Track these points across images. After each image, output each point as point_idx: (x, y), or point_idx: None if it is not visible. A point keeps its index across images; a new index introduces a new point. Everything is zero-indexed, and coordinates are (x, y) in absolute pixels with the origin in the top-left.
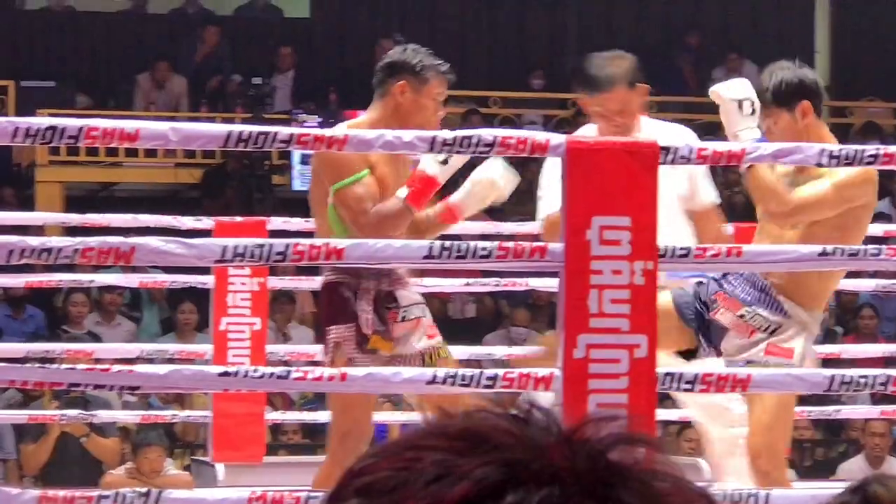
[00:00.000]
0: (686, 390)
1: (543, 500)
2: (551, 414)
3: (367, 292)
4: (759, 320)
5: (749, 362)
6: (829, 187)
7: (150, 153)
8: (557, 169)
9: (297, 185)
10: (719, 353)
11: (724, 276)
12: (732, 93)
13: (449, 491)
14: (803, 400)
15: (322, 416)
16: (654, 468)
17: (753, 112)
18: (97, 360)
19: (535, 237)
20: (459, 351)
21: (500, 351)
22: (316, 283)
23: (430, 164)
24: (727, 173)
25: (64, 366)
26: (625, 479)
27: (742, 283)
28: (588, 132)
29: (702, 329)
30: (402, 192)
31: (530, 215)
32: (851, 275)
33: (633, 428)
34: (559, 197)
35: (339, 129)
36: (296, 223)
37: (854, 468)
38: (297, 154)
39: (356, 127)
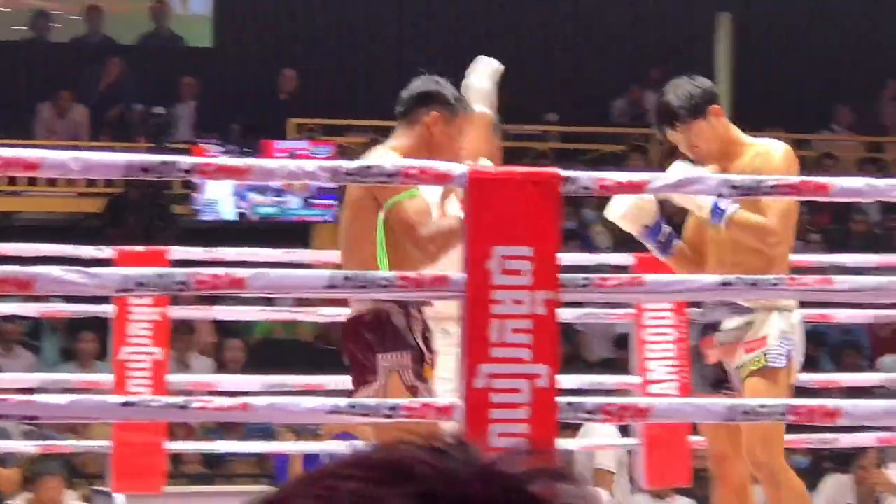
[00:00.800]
0: (587, 420)
1: None
2: (472, 447)
3: (418, 321)
4: (733, 333)
5: (739, 367)
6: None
7: (51, 182)
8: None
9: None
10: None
11: (702, 313)
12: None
13: None
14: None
15: (223, 446)
16: (572, 502)
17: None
18: None
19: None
20: None
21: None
22: (216, 312)
23: None
24: None
25: None
26: None
27: (711, 310)
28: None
29: (717, 386)
30: (456, 207)
31: None
32: None
33: (553, 462)
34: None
35: (382, 156)
36: (197, 252)
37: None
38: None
39: (392, 153)
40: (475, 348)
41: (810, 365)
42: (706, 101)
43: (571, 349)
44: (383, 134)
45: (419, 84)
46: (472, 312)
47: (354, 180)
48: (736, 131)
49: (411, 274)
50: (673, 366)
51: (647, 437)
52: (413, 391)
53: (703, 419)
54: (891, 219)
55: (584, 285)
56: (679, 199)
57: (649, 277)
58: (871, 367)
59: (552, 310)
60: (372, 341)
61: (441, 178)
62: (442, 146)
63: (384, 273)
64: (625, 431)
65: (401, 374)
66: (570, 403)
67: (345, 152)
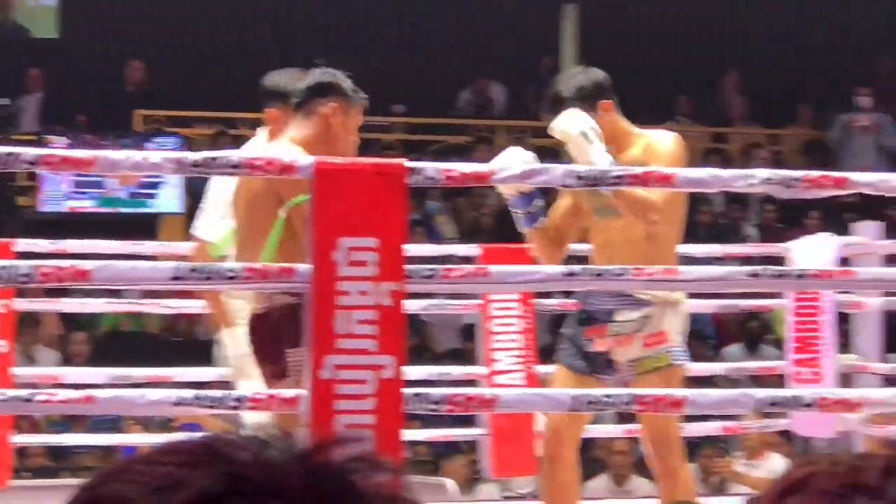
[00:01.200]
0: (433, 411)
1: None
2: (296, 439)
3: None
4: (630, 325)
5: (634, 361)
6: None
7: None
8: (221, 183)
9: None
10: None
11: (586, 300)
12: (576, 127)
13: (169, 499)
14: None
15: (69, 439)
16: (392, 494)
17: (597, 137)
18: None
19: None
20: (211, 372)
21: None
22: (62, 304)
23: None
24: (474, 195)
25: None
26: (349, 497)
27: (597, 299)
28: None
29: (594, 368)
30: None
31: None
32: None
33: (377, 452)
34: (217, 212)
35: (282, 149)
36: (42, 245)
37: (599, 487)
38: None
39: (291, 146)
40: (321, 339)
41: None
42: (597, 94)
43: (418, 340)
44: (230, 126)
45: (316, 76)
46: (317, 303)
47: (200, 172)
48: (626, 123)
49: (257, 265)
50: (519, 356)
51: (493, 428)
52: None
53: (549, 409)
54: (735, 209)
55: (430, 276)
56: (576, 149)
57: (494, 268)
58: (717, 357)
59: (398, 301)
60: (284, 336)
61: (286, 170)
62: (339, 137)
63: (230, 264)
64: (472, 422)
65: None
66: (416, 394)
67: (191, 144)
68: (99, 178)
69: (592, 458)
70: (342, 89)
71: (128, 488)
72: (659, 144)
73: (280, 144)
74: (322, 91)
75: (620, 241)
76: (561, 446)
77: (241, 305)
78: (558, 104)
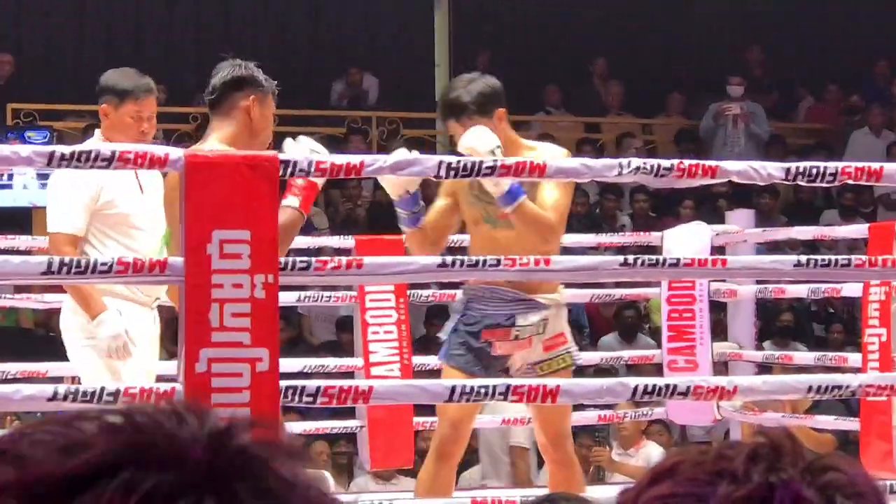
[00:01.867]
0: (308, 403)
1: (159, 484)
2: (209, 413)
3: None
4: (530, 328)
5: (535, 364)
6: (559, 189)
7: None
8: (66, 176)
9: None
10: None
11: (475, 303)
12: (485, 145)
13: (67, 461)
14: (428, 409)
15: None
16: (296, 478)
17: (502, 156)
18: None
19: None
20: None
21: None
22: None
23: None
24: (348, 187)
25: None
26: (251, 475)
27: (493, 306)
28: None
29: (487, 371)
30: (293, 201)
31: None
32: None
33: (280, 434)
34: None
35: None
36: None
37: (475, 477)
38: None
39: (220, 145)
40: (195, 332)
41: None
42: (494, 102)
43: (293, 332)
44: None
45: (227, 70)
46: (191, 296)
47: (70, 166)
48: (515, 135)
49: (128, 258)
50: (395, 347)
51: (370, 420)
52: None
53: (425, 400)
54: (609, 199)
55: (305, 268)
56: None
57: (368, 260)
58: (592, 347)
59: (272, 293)
60: None
61: (158, 163)
62: (261, 129)
63: (104, 258)
64: (349, 414)
65: None
66: (292, 387)
67: (63, 138)
68: None
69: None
70: (257, 80)
71: (35, 445)
72: (545, 157)
73: (209, 145)
74: (238, 85)
75: (506, 251)
76: (456, 444)
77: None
78: (457, 110)
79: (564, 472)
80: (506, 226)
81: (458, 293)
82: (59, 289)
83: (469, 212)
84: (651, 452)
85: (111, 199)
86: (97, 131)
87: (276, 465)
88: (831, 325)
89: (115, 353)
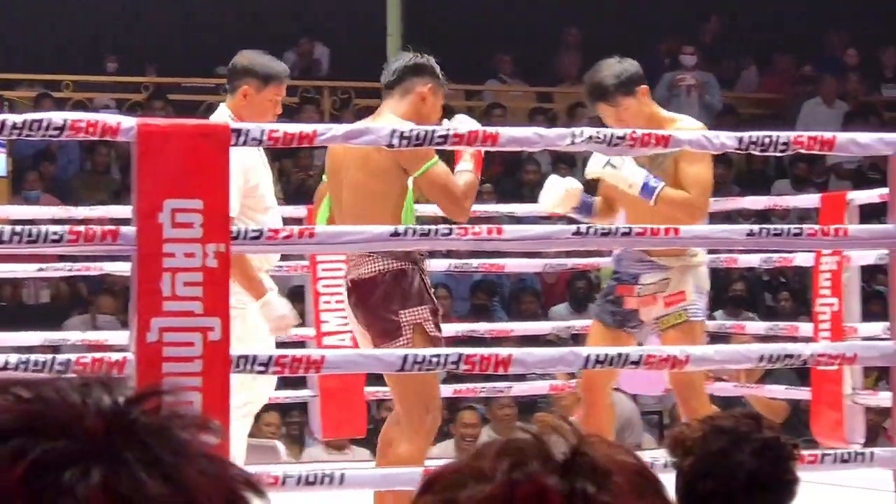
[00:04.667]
0: (260, 372)
1: (48, 451)
2: (119, 385)
3: (425, 276)
4: (651, 287)
5: (658, 318)
6: (698, 164)
7: None
8: None
9: None
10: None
11: (618, 262)
12: (597, 165)
13: None
14: (379, 379)
15: None
16: (201, 451)
17: (618, 160)
18: None
19: (107, 221)
20: (36, 337)
21: (80, 336)
22: None
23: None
24: (299, 157)
25: None
26: (143, 444)
27: (627, 263)
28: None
29: (623, 323)
30: (468, 165)
31: (103, 200)
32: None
33: (197, 409)
34: None
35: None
36: None
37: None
38: None
39: (394, 117)
40: (147, 302)
41: (485, 315)
42: (636, 81)
43: None
44: (53, 88)
45: (411, 57)
46: (143, 266)
47: (21, 135)
48: (659, 109)
49: (80, 228)
50: (346, 317)
51: (322, 389)
52: (435, 342)
53: (377, 369)
54: (561, 168)
55: (257, 237)
56: (612, 179)
57: (320, 229)
58: (544, 316)
59: (224, 262)
60: (394, 299)
61: (110, 132)
62: (429, 117)
63: (55, 228)
64: (301, 384)
65: (424, 327)
66: (243, 356)
67: (13, 107)
68: None
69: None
70: (435, 71)
71: None
72: (687, 129)
73: (384, 120)
74: (418, 71)
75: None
76: (598, 393)
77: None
78: (602, 93)
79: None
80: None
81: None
82: (10, 258)
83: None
84: None
85: (256, 182)
86: (222, 105)
87: (172, 435)
88: (783, 294)
89: (280, 330)
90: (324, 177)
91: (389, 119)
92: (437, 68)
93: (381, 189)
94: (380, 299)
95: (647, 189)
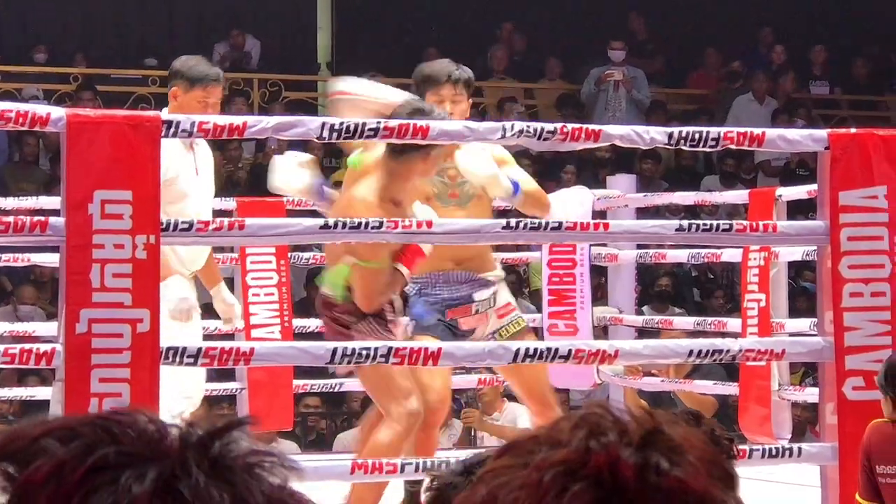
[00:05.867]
0: (189, 364)
1: (117, 454)
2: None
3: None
4: (485, 303)
5: (494, 332)
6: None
7: None
8: None
9: None
10: None
11: (431, 290)
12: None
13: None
14: (307, 372)
15: None
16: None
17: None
18: None
19: (36, 212)
20: None
21: (4, 328)
22: None
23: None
24: (229, 149)
25: None
26: (214, 466)
27: (449, 288)
28: None
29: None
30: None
31: (32, 191)
32: None
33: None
34: None
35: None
36: None
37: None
38: None
39: None
40: (76, 293)
41: None
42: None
43: None
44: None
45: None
46: (72, 257)
47: None
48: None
49: (9, 219)
50: (275, 310)
51: (250, 382)
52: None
53: (306, 362)
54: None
55: (187, 229)
56: (485, 183)
57: (250, 221)
58: None
59: (154, 254)
60: (343, 314)
61: (39, 122)
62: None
63: None
64: (230, 376)
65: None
66: (172, 348)
67: None
68: None
69: (350, 410)
70: (181, 72)
71: (30, 448)
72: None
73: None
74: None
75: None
76: (443, 412)
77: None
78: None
79: (544, 416)
80: (456, 204)
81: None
82: None
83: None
84: (517, 412)
85: (175, 175)
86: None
87: (257, 474)
88: (711, 290)
89: (179, 315)
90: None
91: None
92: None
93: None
94: (333, 316)
95: (515, 185)
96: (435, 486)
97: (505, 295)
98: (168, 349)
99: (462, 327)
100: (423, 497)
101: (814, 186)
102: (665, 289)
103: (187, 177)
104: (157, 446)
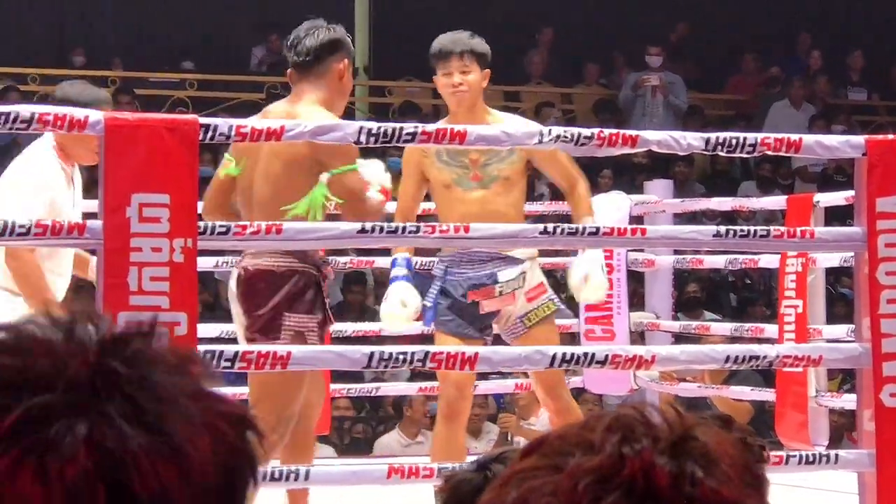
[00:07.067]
0: (226, 368)
1: (31, 407)
2: (104, 322)
3: (324, 284)
4: (512, 283)
5: (522, 316)
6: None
7: None
8: None
9: None
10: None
11: (453, 269)
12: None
13: None
14: (341, 376)
15: None
16: (169, 387)
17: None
18: None
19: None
20: None
21: None
22: None
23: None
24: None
25: None
26: (127, 393)
27: (473, 268)
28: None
29: (480, 331)
30: (376, 194)
31: None
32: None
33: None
34: None
35: (309, 111)
36: None
37: (392, 442)
38: None
39: (317, 107)
40: (113, 296)
41: None
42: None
43: (211, 297)
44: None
45: (322, 33)
46: (109, 260)
47: None
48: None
49: (47, 221)
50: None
51: None
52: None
53: (343, 366)
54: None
55: (224, 233)
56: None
57: (288, 225)
58: None
59: (191, 257)
60: (284, 299)
61: (78, 125)
62: (347, 92)
63: (21, 220)
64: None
65: (305, 336)
66: (209, 352)
67: None
68: None
69: (387, 415)
70: (348, 45)
71: None
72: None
73: (305, 108)
74: (333, 48)
75: (479, 212)
76: (462, 403)
77: None
78: (471, 50)
79: (565, 419)
80: (479, 187)
81: (435, 262)
82: None
83: (439, 177)
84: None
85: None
86: (49, 135)
87: (154, 383)
88: (748, 296)
89: None
90: (228, 166)
91: (307, 108)
92: (349, 41)
93: (297, 182)
94: (269, 294)
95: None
96: (449, 483)
97: (537, 275)
98: (205, 353)
99: (483, 310)
100: (438, 496)
101: (851, 192)
102: (693, 295)
103: (71, 213)
104: (66, 385)
